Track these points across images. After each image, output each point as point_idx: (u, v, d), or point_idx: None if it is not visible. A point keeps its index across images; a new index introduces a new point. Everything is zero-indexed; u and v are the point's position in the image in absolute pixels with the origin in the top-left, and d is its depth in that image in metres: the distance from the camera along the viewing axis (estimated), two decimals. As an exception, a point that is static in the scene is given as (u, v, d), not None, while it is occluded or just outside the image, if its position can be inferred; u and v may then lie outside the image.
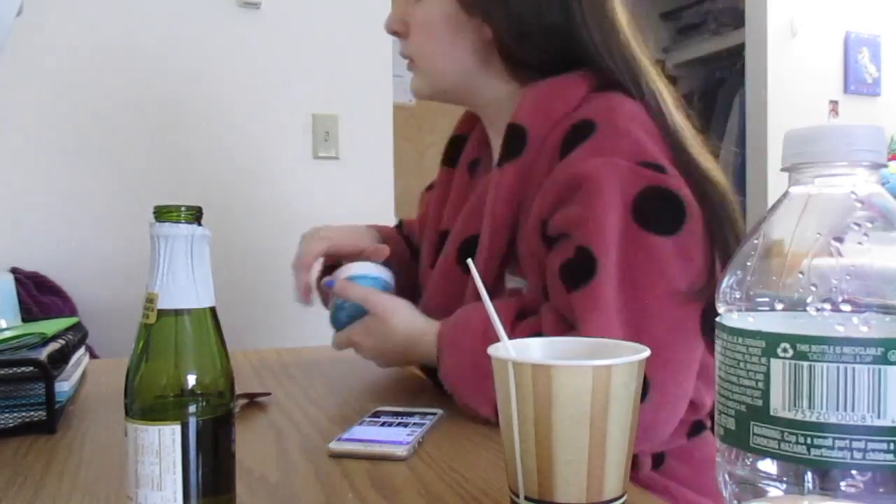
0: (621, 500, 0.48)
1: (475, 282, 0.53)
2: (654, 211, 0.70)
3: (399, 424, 0.72)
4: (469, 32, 0.84)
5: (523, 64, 0.83)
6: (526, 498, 0.47)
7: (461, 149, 0.98)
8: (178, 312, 0.46)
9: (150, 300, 0.46)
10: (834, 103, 2.94)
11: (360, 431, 0.70)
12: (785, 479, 0.37)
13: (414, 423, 0.72)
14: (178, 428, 0.44)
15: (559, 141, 0.76)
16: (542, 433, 0.46)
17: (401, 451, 0.64)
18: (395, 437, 0.67)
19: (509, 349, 0.51)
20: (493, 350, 0.50)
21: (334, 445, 0.66)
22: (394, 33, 0.90)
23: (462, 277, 0.85)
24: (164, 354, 0.46)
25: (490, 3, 0.81)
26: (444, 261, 0.88)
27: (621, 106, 0.76)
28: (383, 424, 0.72)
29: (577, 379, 0.45)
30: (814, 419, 0.35)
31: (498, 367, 0.48)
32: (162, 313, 0.45)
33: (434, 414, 0.76)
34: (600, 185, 0.70)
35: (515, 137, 0.79)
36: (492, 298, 0.54)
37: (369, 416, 0.75)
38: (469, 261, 0.56)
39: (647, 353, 0.48)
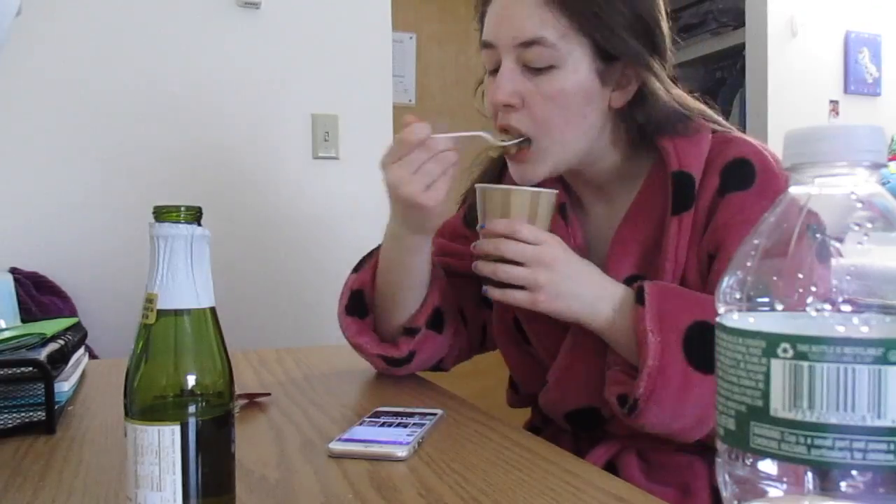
0: None
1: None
2: None
3: (399, 425, 0.72)
4: (598, 102, 0.83)
5: (640, 126, 0.85)
6: None
7: None
8: (177, 312, 0.46)
9: (150, 300, 0.46)
10: (834, 103, 2.94)
11: (360, 431, 0.70)
12: (785, 479, 0.37)
13: (414, 424, 0.72)
14: (177, 428, 0.44)
15: (717, 181, 0.81)
16: None
17: (401, 451, 0.64)
18: (395, 438, 0.67)
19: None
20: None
21: (334, 445, 0.66)
22: (506, 106, 0.83)
23: None
24: (164, 355, 0.46)
25: (632, 72, 0.82)
26: None
27: (765, 148, 0.84)
28: (383, 424, 0.72)
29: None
30: (814, 419, 0.35)
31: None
32: (161, 313, 0.45)
33: (434, 414, 0.76)
34: None
35: (687, 186, 0.82)
36: None
37: (369, 417, 0.76)
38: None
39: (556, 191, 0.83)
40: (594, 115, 0.83)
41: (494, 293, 0.80)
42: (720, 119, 0.89)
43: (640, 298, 0.76)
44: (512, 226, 0.78)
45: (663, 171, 0.84)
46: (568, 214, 0.92)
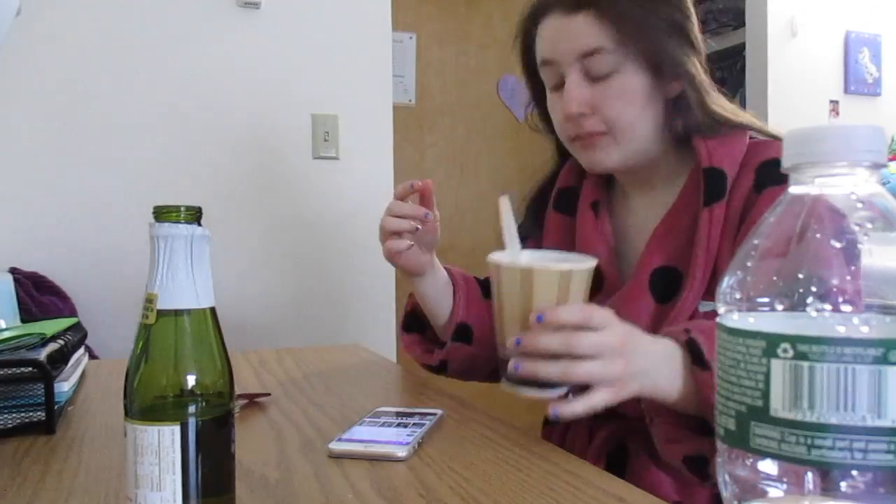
0: None
1: (507, 216, 0.73)
2: None
3: (399, 425, 0.72)
4: (658, 93, 0.88)
5: (684, 119, 0.89)
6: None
7: (573, 198, 1.02)
8: (177, 313, 0.46)
9: (150, 300, 0.46)
10: (834, 103, 2.94)
11: (360, 432, 0.70)
12: (785, 479, 0.37)
13: (414, 424, 0.72)
14: (177, 428, 0.44)
15: (752, 178, 0.84)
16: (525, 314, 0.65)
17: (401, 451, 0.64)
18: (395, 438, 0.67)
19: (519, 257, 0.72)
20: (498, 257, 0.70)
21: (334, 445, 0.66)
22: (580, 115, 0.88)
23: (650, 303, 0.87)
24: (164, 355, 0.46)
25: (682, 67, 0.86)
26: (634, 286, 0.89)
27: None
28: (383, 424, 0.72)
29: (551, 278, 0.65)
30: (814, 419, 0.35)
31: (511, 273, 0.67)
32: (161, 313, 0.45)
33: (434, 414, 0.76)
34: None
35: (717, 180, 0.85)
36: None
37: (369, 417, 0.75)
38: (503, 198, 0.75)
39: (593, 262, 0.69)
40: (656, 106, 0.88)
41: (577, 406, 0.66)
42: (763, 126, 0.91)
43: (699, 360, 0.68)
44: (584, 313, 0.66)
45: (699, 169, 0.88)
46: (599, 210, 0.98)
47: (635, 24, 0.86)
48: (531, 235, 1.06)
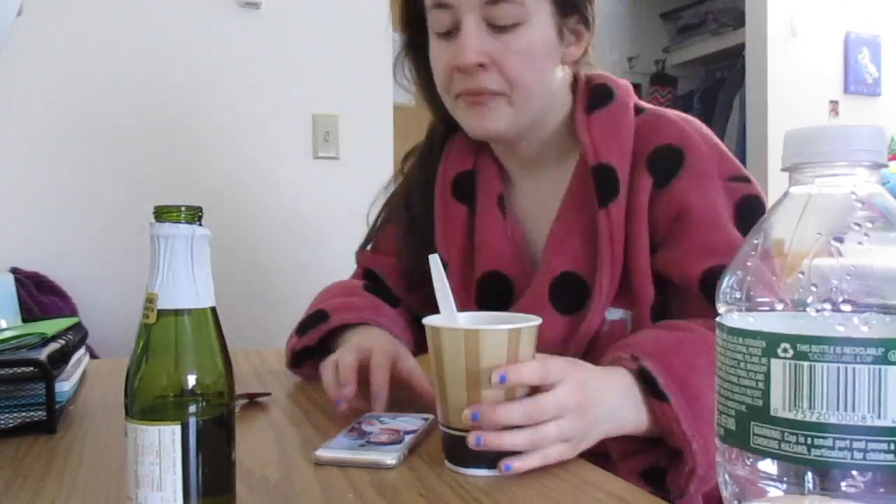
0: None
1: (438, 276, 0.64)
2: (753, 218, 0.74)
3: (389, 430, 0.70)
4: (556, 57, 0.84)
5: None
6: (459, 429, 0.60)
7: (471, 185, 0.93)
8: (178, 312, 0.46)
9: (150, 300, 0.46)
10: (834, 103, 2.94)
11: (349, 437, 0.68)
12: (785, 479, 0.37)
13: (405, 432, 0.70)
14: (178, 428, 0.44)
15: (648, 173, 0.81)
16: (473, 379, 0.59)
17: (390, 458, 0.62)
18: (385, 443, 0.66)
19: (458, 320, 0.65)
20: (432, 321, 0.62)
21: (321, 453, 0.64)
22: (479, 66, 0.80)
23: (555, 315, 0.81)
24: (164, 354, 0.46)
25: (590, 22, 0.85)
26: (534, 298, 0.83)
27: (688, 122, 0.85)
28: (372, 430, 0.70)
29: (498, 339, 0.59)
30: (814, 419, 0.35)
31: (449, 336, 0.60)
32: (162, 313, 0.45)
33: (426, 419, 0.74)
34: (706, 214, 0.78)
35: (608, 178, 0.81)
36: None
37: (357, 423, 0.73)
38: (433, 257, 0.65)
39: (539, 320, 0.62)
40: (555, 69, 0.84)
41: (532, 460, 0.60)
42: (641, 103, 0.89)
43: (656, 392, 0.65)
44: (543, 371, 0.61)
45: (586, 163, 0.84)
46: (506, 206, 0.91)
47: None
48: (422, 222, 0.95)
